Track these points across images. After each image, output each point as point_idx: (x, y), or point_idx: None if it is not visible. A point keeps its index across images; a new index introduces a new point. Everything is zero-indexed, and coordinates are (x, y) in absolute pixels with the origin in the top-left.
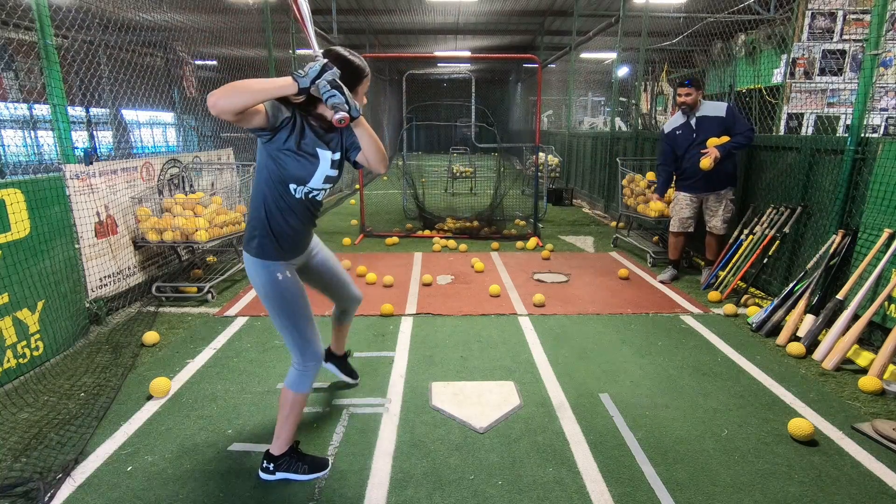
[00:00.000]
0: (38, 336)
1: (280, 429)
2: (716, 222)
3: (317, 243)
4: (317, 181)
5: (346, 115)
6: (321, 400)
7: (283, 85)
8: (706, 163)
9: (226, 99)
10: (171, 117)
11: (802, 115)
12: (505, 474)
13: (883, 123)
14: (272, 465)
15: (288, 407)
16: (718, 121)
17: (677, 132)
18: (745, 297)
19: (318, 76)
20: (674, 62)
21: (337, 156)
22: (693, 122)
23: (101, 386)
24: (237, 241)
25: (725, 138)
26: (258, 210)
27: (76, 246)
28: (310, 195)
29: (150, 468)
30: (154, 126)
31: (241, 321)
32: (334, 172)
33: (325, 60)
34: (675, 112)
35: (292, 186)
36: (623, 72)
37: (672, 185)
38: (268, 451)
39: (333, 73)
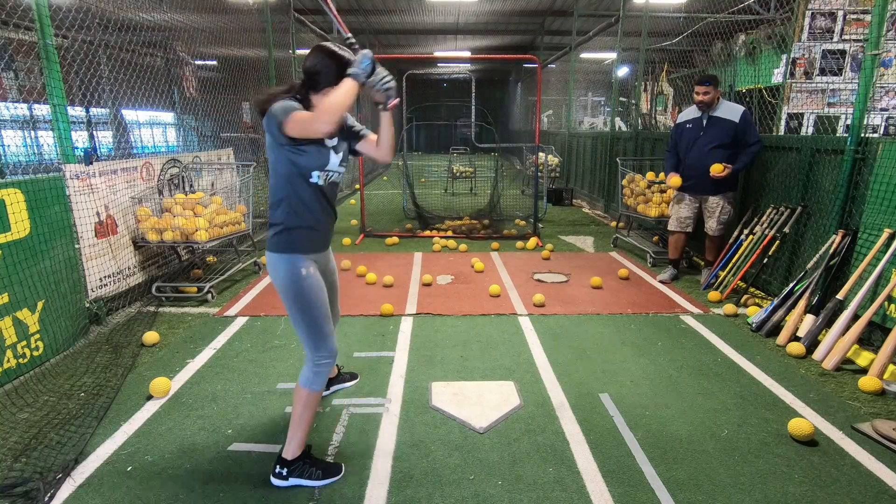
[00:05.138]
0: (38, 336)
1: (293, 431)
2: (712, 224)
3: (331, 252)
4: (333, 164)
5: (398, 98)
6: (321, 400)
7: (353, 87)
8: (717, 168)
9: (326, 122)
10: (171, 117)
11: (802, 115)
12: (505, 474)
13: (883, 123)
14: (285, 469)
15: (301, 405)
16: (730, 125)
17: (687, 125)
18: (745, 297)
19: (373, 69)
20: (674, 62)
21: (335, 140)
22: (705, 120)
23: (101, 386)
24: (237, 241)
25: (728, 168)
26: (283, 206)
27: (76, 246)
28: (329, 178)
29: (150, 468)
30: (154, 126)
31: (241, 321)
32: (341, 155)
33: (368, 50)
34: (675, 114)
35: (315, 174)
36: (623, 72)
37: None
38: (280, 455)
39: (375, 60)
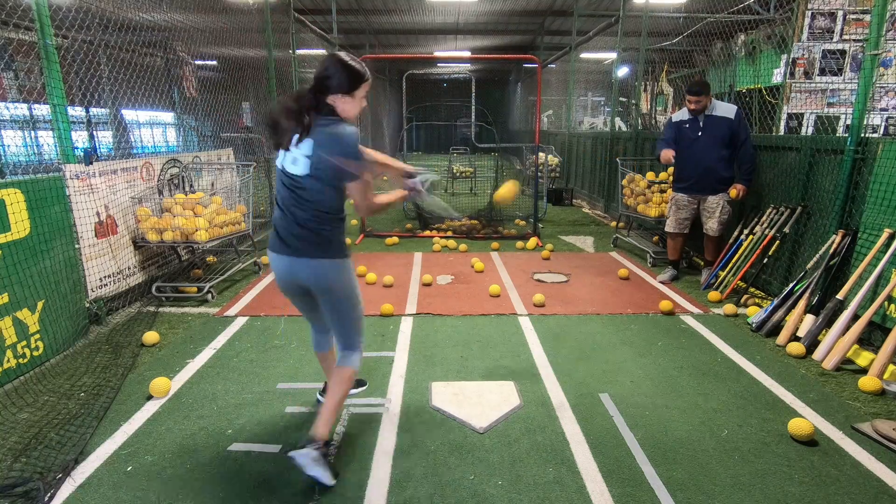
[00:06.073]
0: (37, 336)
1: (334, 411)
2: (712, 224)
3: (308, 267)
4: (280, 160)
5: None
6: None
7: (402, 197)
8: (733, 193)
9: (362, 207)
10: (171, 117)
11: (802, 115)
12: (505, 474)
13: (883, 123)
14: (327, 448)
15: (347, 385)
16: (726, 122)
17: (684, 125)
18: (745, 297)
19: (429, 191)
20: (674, 62)
21: (301, 150)
22: (701, 120)
23: (101, 386)
24: (237, 241)
25: (743, 190)
26: (340, 212)
27: (76, 246)
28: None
29: (150, 468)
30: (154, 126)
31: (241, 321)
32: (298, 163)
33: (430, 178)
34: (675, 110)
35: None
36: (623, 72)
37: (670, 185)
38: (315, 438)
39: (435, 182)
